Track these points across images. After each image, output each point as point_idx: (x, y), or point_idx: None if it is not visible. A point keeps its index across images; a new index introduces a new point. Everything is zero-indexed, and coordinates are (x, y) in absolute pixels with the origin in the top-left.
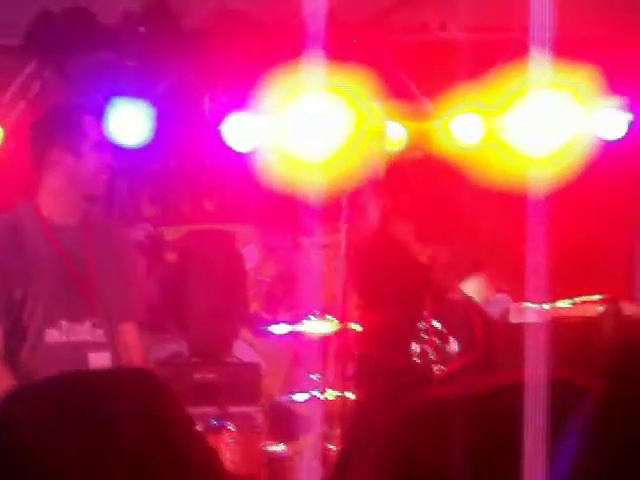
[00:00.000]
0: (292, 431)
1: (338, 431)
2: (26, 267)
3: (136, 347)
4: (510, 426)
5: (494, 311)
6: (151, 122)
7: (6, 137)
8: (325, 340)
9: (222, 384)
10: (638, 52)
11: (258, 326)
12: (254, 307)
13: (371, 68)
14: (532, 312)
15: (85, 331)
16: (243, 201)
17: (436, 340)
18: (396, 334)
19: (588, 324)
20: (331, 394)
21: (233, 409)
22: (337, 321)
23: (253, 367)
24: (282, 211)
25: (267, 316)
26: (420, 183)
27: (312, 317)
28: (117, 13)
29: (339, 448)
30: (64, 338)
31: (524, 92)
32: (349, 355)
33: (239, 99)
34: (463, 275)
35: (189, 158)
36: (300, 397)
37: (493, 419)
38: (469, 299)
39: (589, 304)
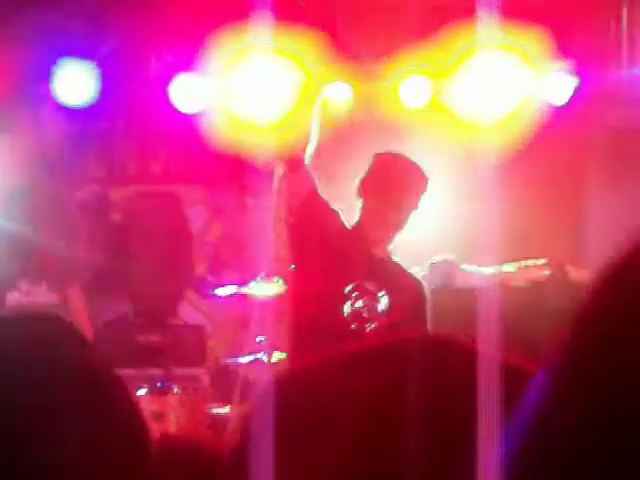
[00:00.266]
0: (237, 393)
1: None
2: None
3: (81, 312)
4: (400, 377)
5: (437, 274)
6: (97, 82)
7: None
8: (271, 302)
9: (167, 346)
10: (584, 13)
11: (204, 288)
12: (200, 269)
13: (318, 29)
14: (478, 276)
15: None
16: (190, 162)
17: (367, 300)
18: (328, 296)
19: (534, 288)
20: (277, 356)
21: (178, 371)
22: (283, 283)
23: (198, 329)
24: (229, 172)
25: (213, 278)
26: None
27: (258, 279)
28: None
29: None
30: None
31: (472, 53)
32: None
33: (186, 60)
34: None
35: (135, 119)
36: (246, 359)
37: (387, 369)
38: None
39: (534, 268)
